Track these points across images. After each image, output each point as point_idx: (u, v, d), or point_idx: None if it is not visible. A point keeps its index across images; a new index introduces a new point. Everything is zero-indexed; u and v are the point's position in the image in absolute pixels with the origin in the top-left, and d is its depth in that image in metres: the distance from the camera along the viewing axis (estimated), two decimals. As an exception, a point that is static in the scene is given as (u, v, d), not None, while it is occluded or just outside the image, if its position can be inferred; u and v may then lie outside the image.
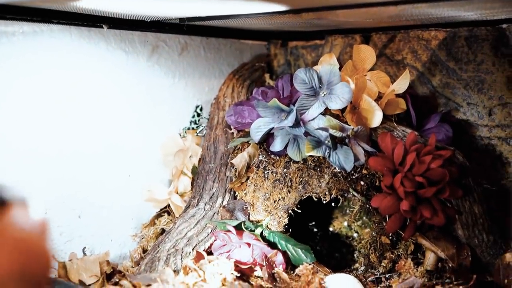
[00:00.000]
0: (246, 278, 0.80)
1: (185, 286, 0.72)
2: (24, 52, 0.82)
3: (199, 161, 1.02)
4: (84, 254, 0.92)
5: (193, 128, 1.11)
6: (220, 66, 1.17)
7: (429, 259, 0.84)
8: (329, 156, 0.85)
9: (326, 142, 0.85)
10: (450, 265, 0.82)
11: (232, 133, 1.01)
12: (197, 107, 1.13)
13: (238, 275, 0.78)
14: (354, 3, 0.69)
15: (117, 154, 0.97)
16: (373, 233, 0.87)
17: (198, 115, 1.12)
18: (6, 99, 0.81)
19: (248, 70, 1.14)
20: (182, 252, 0.84)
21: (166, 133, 1.06)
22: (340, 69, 0.94)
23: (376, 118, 0.90)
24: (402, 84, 0.93)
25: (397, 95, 0.95)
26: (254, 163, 0.95)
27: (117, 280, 0.79)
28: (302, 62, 1.21)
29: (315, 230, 1.06)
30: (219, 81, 1.16)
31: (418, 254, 0.87)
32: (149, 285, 0.71)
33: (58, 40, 0.86)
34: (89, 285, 0.81)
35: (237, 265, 0.80)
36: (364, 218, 0.94)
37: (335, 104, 0.88)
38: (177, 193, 1.01)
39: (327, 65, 0.91)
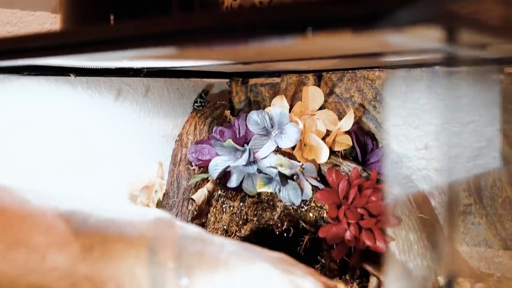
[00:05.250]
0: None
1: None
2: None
3: (164, 195, 1.10)
4: None
5: (195, 108, 1.22)
6: (183, 105, 1.25)
7: (372, 283, 0.93)
8: (279, 192, 0.93)
9: (277, 179, 0.93)
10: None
11: (194, 169, 1.09)
12: (203, 91, 1.24)
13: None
14: (291, 58, 0.78)
15: (85, 194, 1.04)
16: (322, 260, 0.95)
17: (201, 97, 1.23)
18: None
19: (210, 108, 1.22)
20: None
21: (133, 170, 1.13)
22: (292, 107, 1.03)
23: (323, 155, 0.98)
24: (347, 122, 1.02)
25: (345, 132, 1.04)
26: (214, 197, 1.02)
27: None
28: (261, 98, 1.30)
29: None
30: (183, 118, 1.24)
31: (364, 279, 0.95)
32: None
33: (27, 91, 0.94)
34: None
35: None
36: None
37: (285, 143, 0.96)
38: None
39: (278, 107, 0.99)
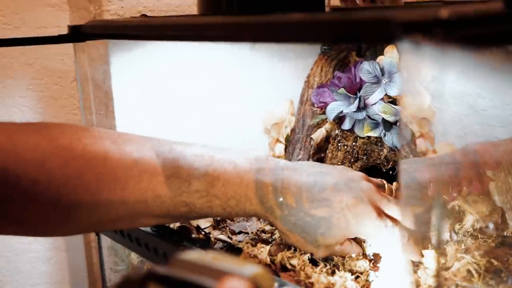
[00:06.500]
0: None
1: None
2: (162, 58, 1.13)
3: (291, 131, 1.28)
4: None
5: (322, 51, 1.34)
6: (313, 47, 1.39)
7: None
8: (384, 136, 1.05)
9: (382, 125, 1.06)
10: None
11: (316, 110, 1.24)
12: None
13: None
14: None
15: (230, 130, 1.26)
16: (423, 196, 1.08)
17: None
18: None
19: (336, 51, 1.34)
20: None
21: (267, 108, 1.32)
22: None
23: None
24: (456, 69, 1.08)
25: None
26: (332, 136, 1.18)
27: (224, 226, 1.09)
28: (385, 39, 1.38)
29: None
30: (313, 59, 1.38)
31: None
32: (240, 232, 1.01)
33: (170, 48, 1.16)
34: (205, 228, 1.11)
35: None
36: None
37: (393, 91, 1.07)
38: (274, 156, 1.28)
39: (389, 57, 1.09)
